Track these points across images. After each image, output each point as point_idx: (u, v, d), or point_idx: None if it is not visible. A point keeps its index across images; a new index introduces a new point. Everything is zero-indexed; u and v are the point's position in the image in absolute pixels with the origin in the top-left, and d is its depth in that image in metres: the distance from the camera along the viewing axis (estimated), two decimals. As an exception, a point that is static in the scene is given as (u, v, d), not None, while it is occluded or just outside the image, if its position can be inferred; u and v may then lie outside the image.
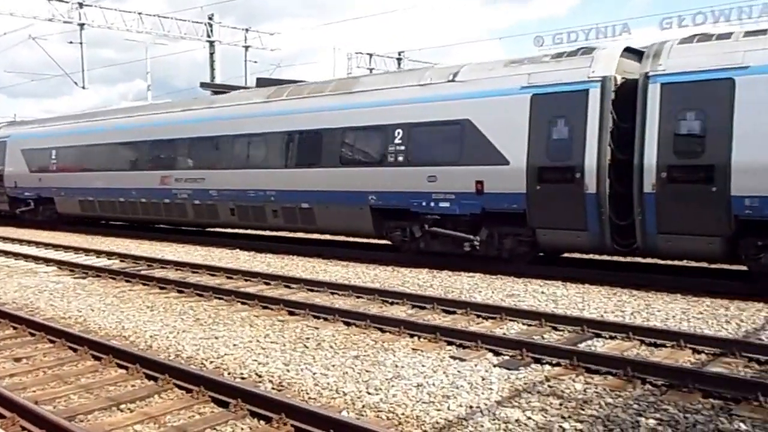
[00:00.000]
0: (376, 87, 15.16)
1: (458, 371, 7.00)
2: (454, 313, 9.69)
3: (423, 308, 10.00)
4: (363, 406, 6.07)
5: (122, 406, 6.21)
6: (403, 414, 5.85)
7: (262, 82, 19.64)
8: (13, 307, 10.59)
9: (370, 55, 40.41)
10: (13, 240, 20.58)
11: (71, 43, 31.24)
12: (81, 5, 29.81)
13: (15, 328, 9.11)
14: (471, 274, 12.89)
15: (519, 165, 12.29)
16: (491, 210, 12.80)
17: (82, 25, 30.24)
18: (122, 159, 21.49)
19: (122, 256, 16.15)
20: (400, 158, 14.04)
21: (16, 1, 28.41)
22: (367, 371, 7.06)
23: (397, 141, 14.04)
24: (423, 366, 7.19)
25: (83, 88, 31.87)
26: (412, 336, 8.38)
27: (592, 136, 11.52)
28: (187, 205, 18.79)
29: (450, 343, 8.00)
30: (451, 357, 7.51)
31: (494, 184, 12.63)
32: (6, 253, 17.25)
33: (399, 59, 41.37)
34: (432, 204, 13.57)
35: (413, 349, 7.89)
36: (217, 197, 17.84)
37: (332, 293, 11.31)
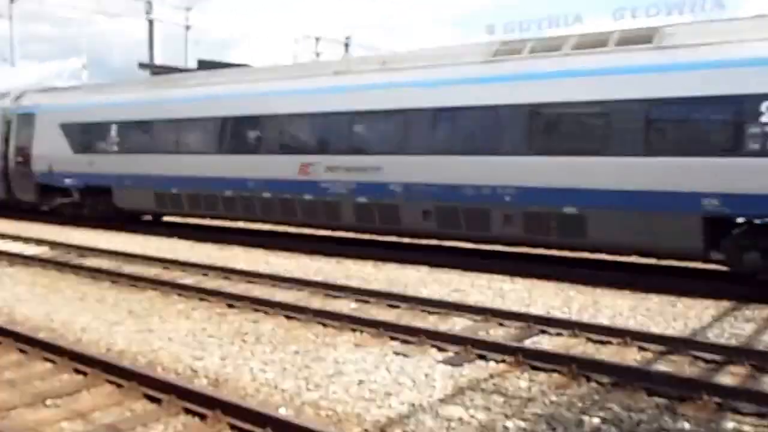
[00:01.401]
0: (705, 40, 10.78)
1: (401, 367, 7.03)
2: (398, 307, 9.71)
3: (367, 302, 10.03)
4: (302, 403, 6.08)
5: (49, 402, 6.10)
6: (343, 411, 5.87)
7: (203, 65, 19.26)
8: (-68, 296, 10.27)
9: (317, 39, 40.32)
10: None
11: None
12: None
13: (-66, 318, 8.85)
14: (417, 267, 12.96)
15: None
16: None
17: None
18: (232, 139, 16.28)
19: (53, 244, 15.75)
20: None
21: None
22: (307, 367, 7.07)
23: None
24: (365, 362, 7.23)
25: (12, 65, 30.99)
26: (354, 331, 8.40)
27: None
28: (343, 204, 14.24)
29: (393, 339, 8.03)
30: (394, 353, 7.54)
31: None
32: (-74, 239, 16.68)
33: (346, 44, 41.38)
34: None
35: (355, 344, 7.92)
36: (403, 194, 13.42)
37: (273, 286, 11.25)
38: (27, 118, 21.35)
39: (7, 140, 21.97)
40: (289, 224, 16.93)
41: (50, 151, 20.26)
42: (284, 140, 15.47)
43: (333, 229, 15.85)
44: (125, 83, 21.11)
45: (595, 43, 11.91)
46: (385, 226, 14.09)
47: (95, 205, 19.58)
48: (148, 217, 20.40)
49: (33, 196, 21.21)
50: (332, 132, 14.65)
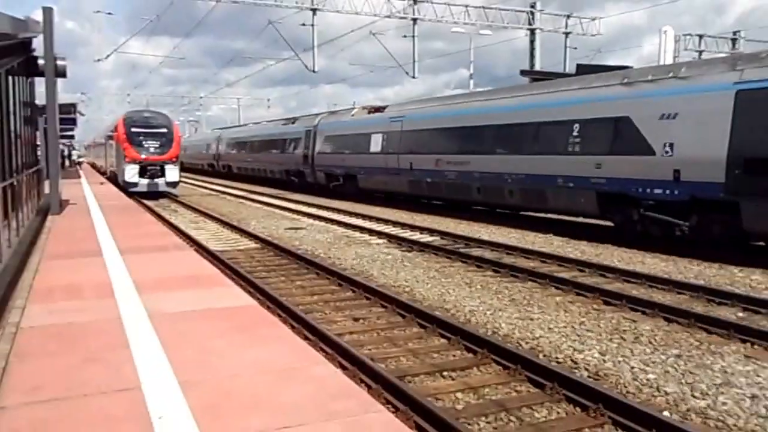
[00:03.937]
0: None
1: (802, 387, 6.11)
2: (796, 321, 8.47)
3: (757, 313, 8.93)
4: (687, 410, 5.62)
5: (445, 374, 6.52)
6: (734, 425, 5.30)
7: (582, 69, 18.83)
8: (352, 273, 11.69)
9: (700, 37, 37.09)
10: (350, 213, 22.74)
11: (405, 36, 33.71)
12: (415, 1, 31.92)
13: (354, 291, 10.08)
14: (815, 279, 11.18)
15: None
16: None
17: (415, 20, 32.47)
18: None
19: (442, 234, 16.91)
20: None
21: (360, 2, 31.56)
22: (691, 373, 6.52)
23: None
24: (758, 376, 6.44)
25: (413, 77, 34.16)
26: (743, 341, 7.54)
27: None
28: None
29: (791, 356, 7.01)
30: (793, 371, 6.58)
31: None
32: (346, 225, 19.15)
33: (734, 39, 37.38)
34: None
35: (746, 356, 7.09)
36: None
37: (650, 287, 10.64)
38: None
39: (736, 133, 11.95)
40: None
41: None
42: None
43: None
44: None
45: None
46: None
47: None
48: None
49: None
50: None
